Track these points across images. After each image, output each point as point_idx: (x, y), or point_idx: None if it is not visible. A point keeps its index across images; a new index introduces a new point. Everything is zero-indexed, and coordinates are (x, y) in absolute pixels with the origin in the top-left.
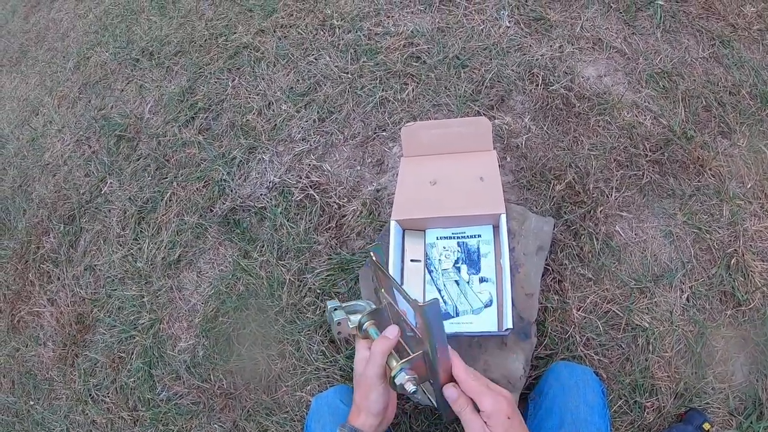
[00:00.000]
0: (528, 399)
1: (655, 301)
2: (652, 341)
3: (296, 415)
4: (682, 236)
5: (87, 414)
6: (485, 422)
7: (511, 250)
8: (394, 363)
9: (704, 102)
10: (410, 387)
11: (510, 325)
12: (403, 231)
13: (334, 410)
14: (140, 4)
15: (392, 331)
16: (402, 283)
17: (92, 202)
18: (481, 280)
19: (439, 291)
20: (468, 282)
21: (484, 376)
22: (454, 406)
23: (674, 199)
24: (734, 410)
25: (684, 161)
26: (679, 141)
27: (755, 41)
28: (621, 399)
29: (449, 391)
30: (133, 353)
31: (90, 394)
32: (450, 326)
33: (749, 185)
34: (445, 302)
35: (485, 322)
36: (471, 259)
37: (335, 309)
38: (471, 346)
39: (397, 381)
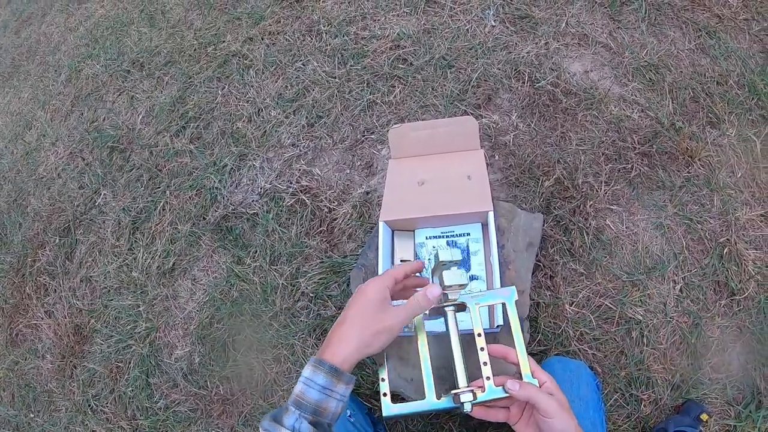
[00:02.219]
0: None
1: (648, 294)
2: (646, 334)
3: None
4: (674, 227)
5: (86, 425)
6: (551, 395)
7: (501, 247)
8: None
9: (692, 93)
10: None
11: (501, 322)
12: (393, 232)
13: None
14: (130, 16)
15: (435, 291)
16: None
17: (87, 213)
18: (472, 278)
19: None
20: None
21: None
22: (522, 393)
23: (664, 190)
24: (732, 400)
25: (673, 153)
26: (667, 133)
27: (741, 31)
28: (617, 393)
29: (511, 384)
30: (130, 362)
31: (89, 405)
32: (441, 325)
33: (739, 174)
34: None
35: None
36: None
37: None
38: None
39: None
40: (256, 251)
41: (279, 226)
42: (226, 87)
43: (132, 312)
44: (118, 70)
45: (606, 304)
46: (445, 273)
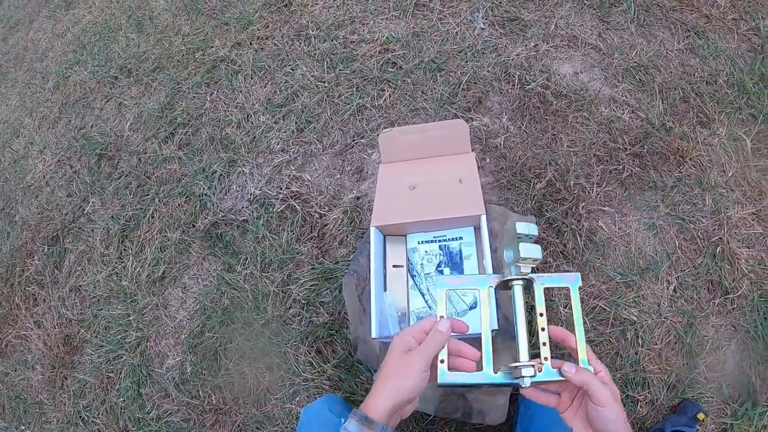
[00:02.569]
0: (518, 400)
1: (642, 294)
2: (641, 334)
3: (286, 427)
4: (666, 228)
5: None
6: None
7: (494, 250)
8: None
9: (682, 93)
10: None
11: (495, 326)
12: (384, 237)
13: (323, 420)
14: (118, 22)
15: (445, 325)
16: (385, 289)
17: (75, 222)
18: None
19: (423, 295)
20: None
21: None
22: (578, 377)
23: (656, 191)
24: (728, 398)
25: (664, 153)
26: (658, 133)
27: (730, 31)
28: None
29: (568, 366)
30: (121, 372)
31: (80, 416)
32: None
33: (730, 173)
34: (429, 306)
35: (470, 325)
36: (453, 262)
37: None
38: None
39: (526, 384)
40: (247, 258)
41: (269, 232)
42: (215, 92)
43: (122, 321)
44: (106, 76)
45: (600, 306)
46: (522, 245)
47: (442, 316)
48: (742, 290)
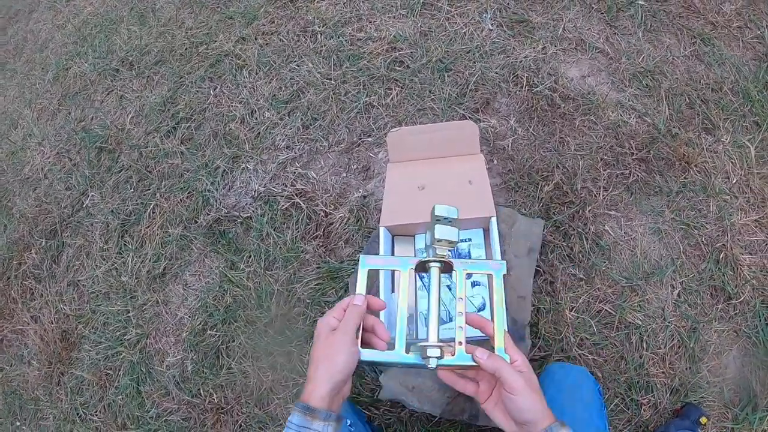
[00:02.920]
0: None
1: (647, 299)
2: (645, 338)
3: None
4: (671, 233)
5: None
6: (521, 372)
7: (502, 253)
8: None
9: (687, 99)
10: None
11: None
12: (393, 237)
13: None
14: (119, 14)
15: (360, 299)
16: (393, 290)
17: (74, 215)
18: (474, 284)
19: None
20: None
21: None
22: (489, 364)
23: (661, 196)
24: (729, 402)
25: (670, 158)
26: (664, 139)
27: (735, 38)
28: (617, 397)
29: (480, 352)
30: (120, 370)
31: (77, 413)
32: (443, 331)
33: (734, 180)
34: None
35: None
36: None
37: None
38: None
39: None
40: (250, 256)
41: (274, 230)
42: (219, 87)
43: (121, 318)
44: (107, 68)
45: (606, 309)
46: (437, 226)
47: (359, 294)
48: (745, 296)
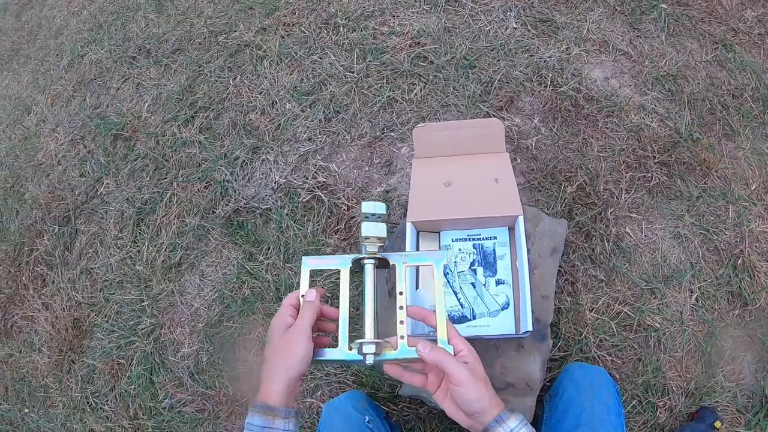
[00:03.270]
0: (543, 401)
1: (666, 302)
2: (663, 341)
3: (306, 422)
4: (690, 237)
5: (85, 422)
6: (465, 363)
7: (528, 251)
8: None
9: (709, 105)
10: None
11: (530, 328)
12: (418, 233)
13: (346, 417)
14: (136, 2)
15: (312, 294)
16: (417, 287)
17: (88, 203)
18: (498, 282)
19: (456, 294)
20: (484, 284)
21: (502, 379)
22: (432, 357)
23: (682, 200)
24: (743, 408)
25: (691, 163)
26: (685, 143)
27: (756, 45)
28: (634, 399)
29: (422, 345)
30: (133, 359)
31: (88, 402)
32: (467, 329)
33: (753, 187)
34: (461, 305)
35: (502, 325)
36: (487, 261)
37: None
38: (487, 349)
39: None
40: (270, 248)
41: (294, 222)
42: (238, 77)
43: (135, 307)
44: (124, 56)
45: (625, 312)
46: (364, 224)
47: (303, 295)
48: (760, 303)
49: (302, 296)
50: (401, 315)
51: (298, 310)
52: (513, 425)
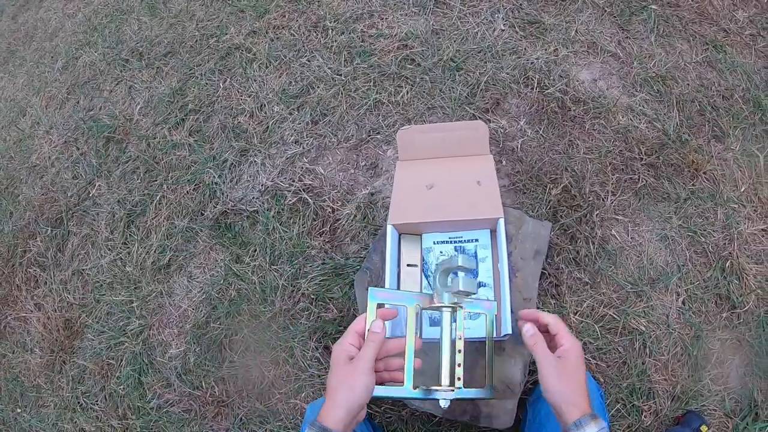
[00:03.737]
0: (526, 404)
1: (652, 305)
2: (648, 345)
3: (290, 423)
4: (678, 239)
5: (76, 422)
6: (558, 356)
7: (509, 254)
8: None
9: (698, 106)
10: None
11: (509, 330)
12: (400, 235)
13: None
14: (130, 4)
15: (378, 326)
16: (398, 288)
17: (80, 204)
18: (479, 285)
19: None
20: None
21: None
22: (529, 341)
23: (669, 202)
24: (730, 412)
25: (679, 165)
26: (673, 145)
27: (747, 46)
28: (619, 403)
29: (527, 327)
30: (122, 360)
31: (78, 402)
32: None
33: (742, 189)
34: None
35: (483, 327)
36: None
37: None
38: (468, 352)
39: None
40: (256, 250)
41: (280, 224)
42: (228, 80)
43: (125, 308)
44: (117, 58)
45: (610, 314)
46: (462, 278)
47: (377, 320)
48: (749, 306)
49: (368, 329)
50: (459, 358)
51: (362, 337)
52: None
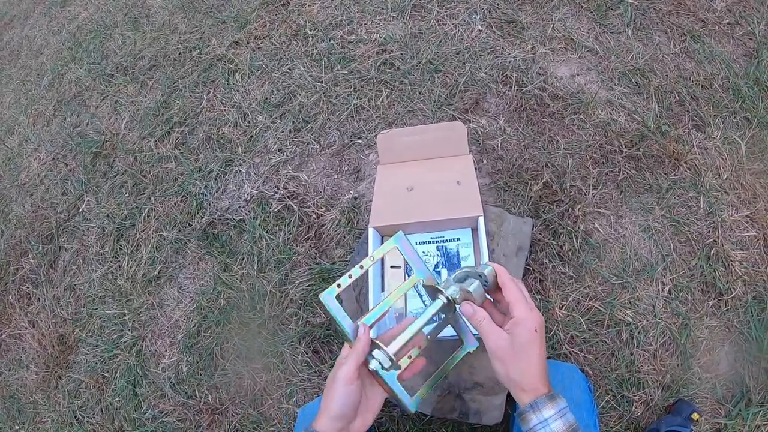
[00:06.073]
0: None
1: (637, 296)
2: (636, 335)
3: (283, 427)
4: (661, 230)
5: None
6: (508, 331)
7: (491, 252)
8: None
9: (677, 96)
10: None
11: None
12: (382, 237)
13: None
14: (113, 20)
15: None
16: (383, 290)
17: (70, 220)
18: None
19: (420, 296)
20: None
21: (470, 379)
22: (472, 320)
23: (651, 193)
24: (722, 398)
25: (659, 156)
26: (653, 136)
27: (725, 35)
28: (608, 394)
29: (465, 308)
30: (116, 372)
31: (75, 416)
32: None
33: (725, 176)
34: (426, 305)
35: (468, 325)
36: (451, 263)
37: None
38: (454, 348)
39: (371, 366)
40: (244, 258)
41: (266, 232)
42: (212, 92)
43: (117, 321)
44: (102, 74)
45: (596, 307)
46: (477, 283)
47: (364, 323)
48: (736, 292)
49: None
50: (414, 353)
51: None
52: (548, 415)
